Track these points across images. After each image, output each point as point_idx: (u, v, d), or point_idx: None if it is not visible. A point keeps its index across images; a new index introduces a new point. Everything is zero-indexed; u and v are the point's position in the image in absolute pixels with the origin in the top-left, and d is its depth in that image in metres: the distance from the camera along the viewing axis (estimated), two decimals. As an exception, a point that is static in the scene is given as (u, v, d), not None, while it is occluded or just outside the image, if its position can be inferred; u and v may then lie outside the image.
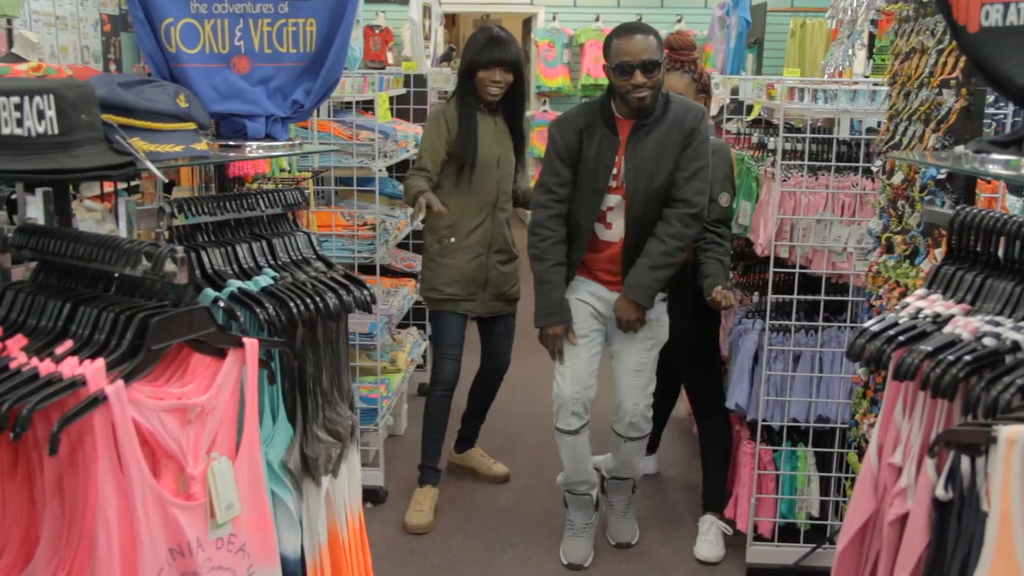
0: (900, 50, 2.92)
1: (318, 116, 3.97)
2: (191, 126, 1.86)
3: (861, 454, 3.08)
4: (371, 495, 4.09)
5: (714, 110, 4.85)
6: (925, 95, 2.69)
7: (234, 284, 2.03)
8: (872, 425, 3.06)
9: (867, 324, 1.72)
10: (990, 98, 2.57)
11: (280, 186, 3.34)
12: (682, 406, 4.83)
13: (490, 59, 3.75)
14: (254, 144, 2.11)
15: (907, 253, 2.80)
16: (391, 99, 5.11)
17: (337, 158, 4.03)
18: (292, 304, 2.05)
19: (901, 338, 1.64)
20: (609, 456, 3.78)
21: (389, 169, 4.75)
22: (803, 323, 3.45)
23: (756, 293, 3.74)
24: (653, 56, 3.20)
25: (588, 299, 3.49)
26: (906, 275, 2.75)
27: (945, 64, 2.56)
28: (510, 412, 5.14)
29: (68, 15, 6.39)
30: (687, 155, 3.32)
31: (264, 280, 2.10)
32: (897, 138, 2.90)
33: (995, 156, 1.70)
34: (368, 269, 4.25)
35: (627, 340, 3.49)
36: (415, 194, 3.65)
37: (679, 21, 10.02)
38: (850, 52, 3.91)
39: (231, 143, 2.11)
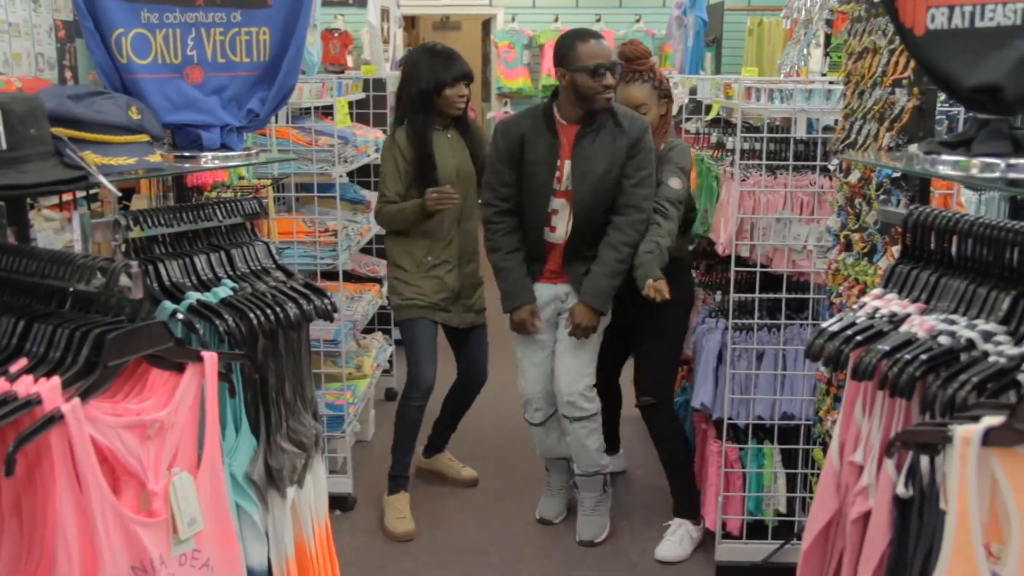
0: (853, 49, 2.95)
1: (276, 123, 3.94)
2: (144, 138, 1.83)
3: (826, 450, 3.11)
4: (339, 502, 4.07)
5: (674, 110, 4.88)
6: (878, 94, 2.73)
7: (192, 296, 2.01)
8: (836, 422, 3.09)
9: (825, 324, 1.74)
10: (942, 96, 2.60)
11: (239, 194, 3.32)
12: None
13: (457, 75, 3.78)
14: (209, 155, 2.09)
15: (865, 251, 2.83)
16: (350, 104, 5.09)
17: (297, 164, 4.01)
18: (252, 315, 2.03)
19: (859, 338, 1.66)
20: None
21: (350, 174, 4.74)
22: (766, 321, 3.48)
23: (719, 292, 3.76)
24: (616, 58, 3.50)
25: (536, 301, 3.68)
26: (864, 272, 2.78)
27: (897, 64, 2.59)
28: (477, 415, 5.12)
29: (21, 22, 6.29)
30: (634, 164, 3.48)
31: (223, 291, 2.08)
32: (852, 137, 2.93)
33: (945, 157, 1.73)
34: (331, 275, 4.23)
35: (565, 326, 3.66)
36: (405, 208, 3.78)
37: (638, 21, 10.06)
38: (805, 51, 3.95)
39: (186, 154, 2.09)
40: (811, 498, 3.52)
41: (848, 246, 2.97)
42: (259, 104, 2.14)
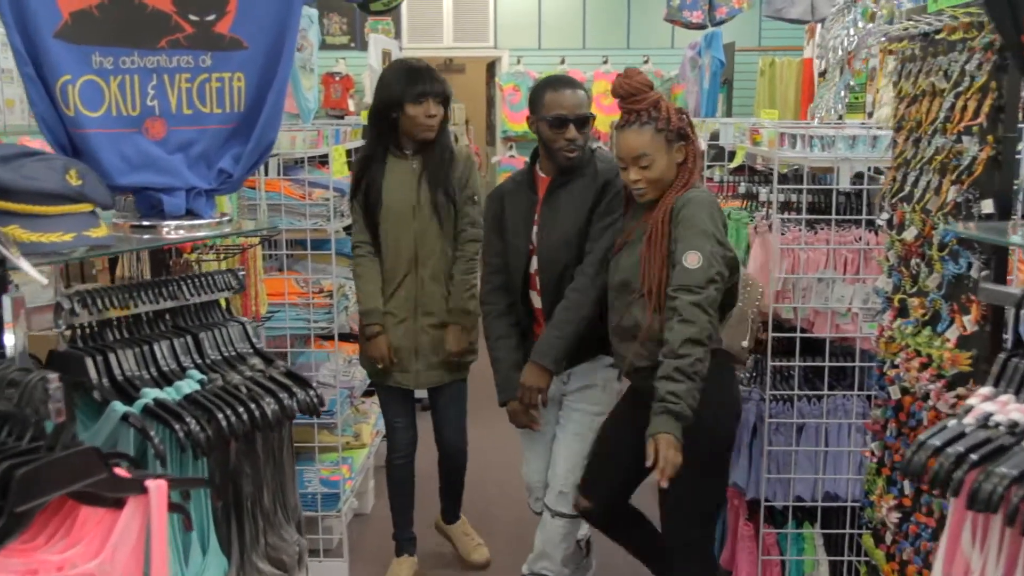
0: (906, 93, 2.64)
1: (266, 175, 3.63)
2: (86, 208, 1.52)
3: (878, 538, 2.76)
4: (335, 588, 3.70)
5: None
6: (940, 142, 2.41)
7: (149, 394, 1.69)
8: (893, 508, 2.75)
9: (926, 435, 1.40)
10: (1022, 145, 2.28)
11: (223, 256, 3.00)
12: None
13: (422, 92, 3.32)
14: (172, 223, 1.77)
15: (926, 318, 2.50)
16: (349, 152, 4.79)
17: (289, 219, 3.69)
18: (221, 415, 1.71)
19: (974, 456, 1.32)
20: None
21: (347, 229, 4.40)
22: (806, 392, 3.14)
23: (752, 357, 3.41)
24: (586, 112, 3.09)
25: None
26: (928, 344, 2.44)
27: (965, 108, 2.28)
28: (484, 480, 4.77)
29: (14, 67, 6.00)
30: (600, 211, 3.08)
31: (187, 386, 1.75)
32: (907, 188, 2.61)
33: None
34: (327, 336, 3.91)
35: (573, 404, 3.21)
36: (367, 325, 3.50)
37: (646, 62, 9.82)
38: (842, 94, 3.65)
39: (144, 223, 1.76)
40: (859, 588, 3.18)
41: (903, 311, 2.64)
42: (232, 163, 1.82)
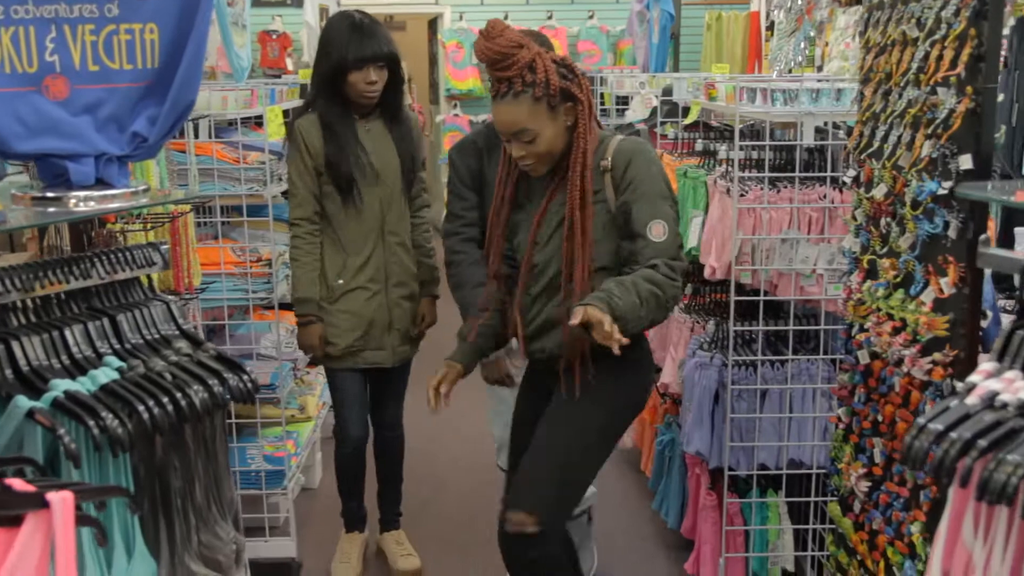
0: (874, 42, 2.50)
1: (196, 137, 3.40)
2: (-27, 179, 1.31)
3: (845, 507, 2.67)
4: (282, 570, 3.54)
5: (645, 113, 4.43)
6: (913, 94, 2.28)
7: (59, 386, 1.50)
8: (862, 477, 2.65)
9: (926, 418, 1.27)
10: (1000, 97, 2.16)
11: (149, 225, 2.78)
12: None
13: (363, 56, 3.06)
14: (80, 194, 1.57)
15: (898, 280, 2.39)
16: (286, 112, 4.56)
17: (223, 184, 3.47)
18: (143, 407, 1.52)
19: (982, 442, 1.19)
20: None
21: (284, 194, 4.18)
22: (769, 357, 3.03)
23: (711, 320, 3.29)
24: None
25: None
26: (902, 307, 2.33)
27: (940, 58, 2.15)
28: (435, 455, 4.63)
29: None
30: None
31: (104, 375, 1.57)
32: (876, 144, 2.49)
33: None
34: (267, 307, 3.71)
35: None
36: (298, 264, 3.22)
37: (591, 17, 9.62)
38: (802, 46, 3.50)
39: (49, 194, 1.56)
40: (823, 557, 3.10)
41: (872, 272, 2.52)
42: (147, 125, 1.62)
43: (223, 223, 3.73)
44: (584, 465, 2.51)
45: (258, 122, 4.30)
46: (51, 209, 1.56)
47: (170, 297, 1.78)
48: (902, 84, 2.33)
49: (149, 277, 1.81)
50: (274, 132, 3.79)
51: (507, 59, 2.29)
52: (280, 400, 3.60)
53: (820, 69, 4.79)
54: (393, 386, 3.46)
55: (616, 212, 2.34)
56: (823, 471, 3.02)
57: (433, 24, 10.49)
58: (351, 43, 3.06)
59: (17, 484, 1.12)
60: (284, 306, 3.93)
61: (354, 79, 3.09)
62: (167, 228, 2.97)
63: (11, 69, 1.52)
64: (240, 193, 3.46)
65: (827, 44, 5.01)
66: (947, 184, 2.12)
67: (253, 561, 3.49)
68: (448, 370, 2.56)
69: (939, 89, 2.15)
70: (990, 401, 1.25)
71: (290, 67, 9.41)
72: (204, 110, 3.47)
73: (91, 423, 1.44)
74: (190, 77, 1.61)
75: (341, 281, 3.21)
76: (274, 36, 9.42)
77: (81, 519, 1.19)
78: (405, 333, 3.33)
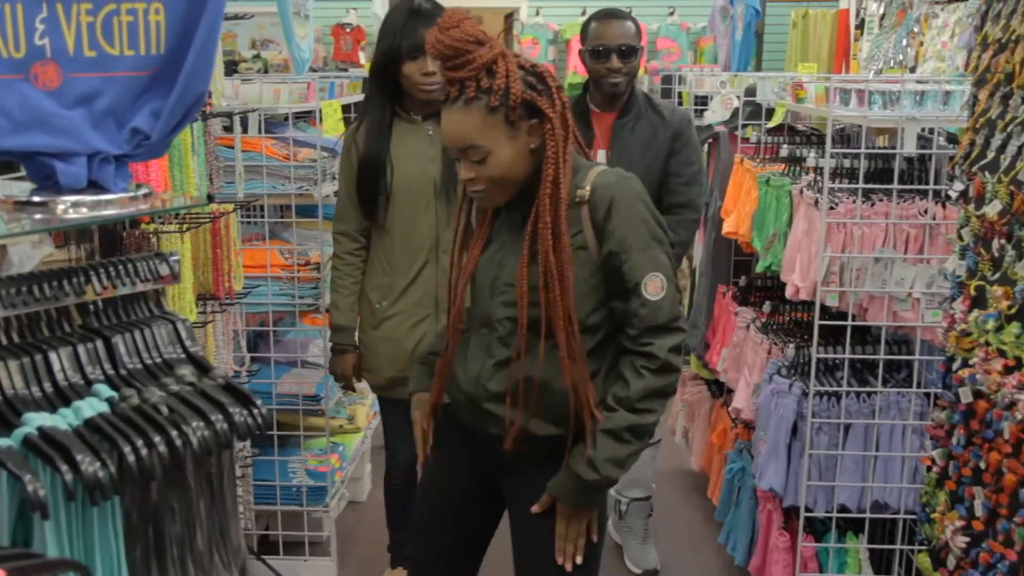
0: (993, 39, 2.20)
1: (245, 132, 3.22)
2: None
3: (937, 561, 2.38)
4: (322, 591, 3.36)
5: (726, 114, 4.14)
6: (1038, 99, 1.98)
7: (32, 420, 1.30)
8: (959, 531, 2.36)
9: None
10: None
11: (186, 226, 2.60)
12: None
13: (414, 43, 2.67)
14: (70, 199, 1.37)
15: (1012, 311, 2.08)
16: (346, 108, 4.38)
17: (272, 183, 3.29)
18: (128, 447, 1.32)
19: None
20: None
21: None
22: (855, 388, 2.73)
23: (792, 344, 3.00)
24: (631, 42, 3.10)
25: None
26: (1018, 345, 2.03)
27: (1074, 58, 1.85)
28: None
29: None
30: (680, 159, 3.13)
31: (89, 407, 1.37)
32: (990, 154, 2.18)
33: None
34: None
35: None
36: (337, 343, 2.94)
37: (671, 14, 9.29)
38: (904, 43, 3.19)
39: (35, 199, 1.37)
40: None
41: (979, 300, 2.22)
42: (150, 120, 1.41)
43: (275, 223, 3.56)
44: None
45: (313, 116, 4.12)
46: (37, 216, 1.37)
47: (178, 315, 1.58)
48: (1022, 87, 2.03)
49: (158, 291, 1.61)
50: (330, 128, 3.60)
51: (461, 56, 1.86)
52: (325, 411, 3.40)
53: (913, 70, 4.45)
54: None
55: (601, 263, 1.91)
56: (912, 517, 2.72)
57: (509, 19, 10.29)
58: (407, 28, 2.72)
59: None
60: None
61: (409, 70, 2.73)
62: (207, 229, 2.79)
63: (-5, 54, 1.33)
64: (289, 192, 3.27)
65: (921, 44, 4.66)
66: (1078, 204, 1.82)
67: (292, 581, 3.39)
68: (421, 408, 2.16)
69: (1071, 94, 1.86)
70: None
71: (363, 61, 9.30)
72: (255, 103, 3.30)
73: (63, 468, 1.24)
74: (200, 66, 1.40)
75: (384, 303, 2.85)
76: (347, 29, 9.31)
77: (21, 597, 0.99)
78: None
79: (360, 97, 4.48)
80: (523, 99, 1.86)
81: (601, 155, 3.11)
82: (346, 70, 7.99)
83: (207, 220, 2.75)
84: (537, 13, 9.57)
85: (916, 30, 3.22)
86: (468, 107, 1.86)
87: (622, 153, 3.07)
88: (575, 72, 9.34)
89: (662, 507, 3.97)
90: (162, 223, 2.58)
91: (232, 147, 3.13)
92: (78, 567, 1.07)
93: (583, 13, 9.38)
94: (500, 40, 1.91)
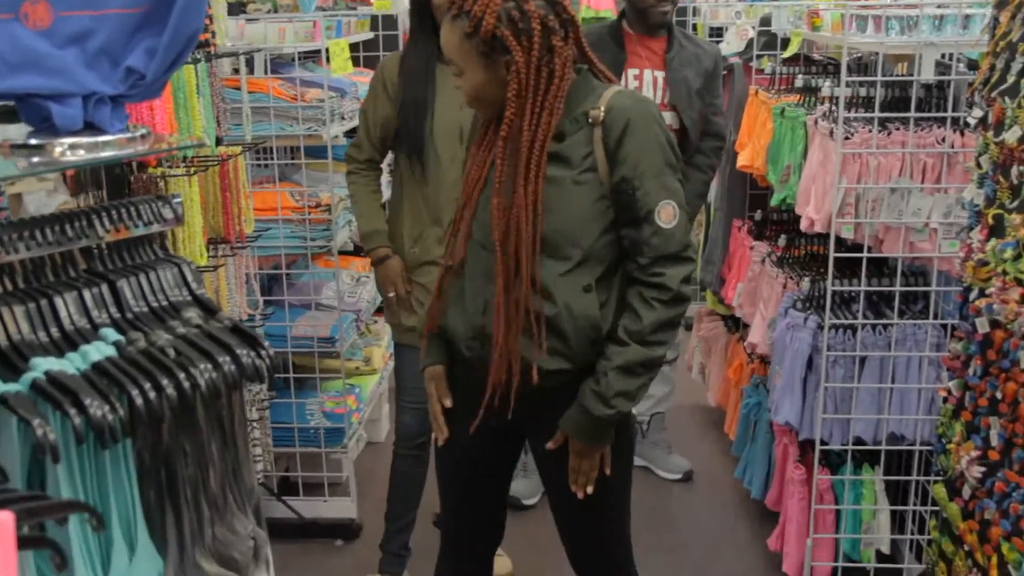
0: (1012, -42, 2.13)
1: (251, 73, 3.18)
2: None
3: (953, 491, 2.37)
4: (341, 530, 3.40)
5: (741, 45, 4.06)
6: (1060, 20, 1.92)
7: (40, 365, 1.30)
8: (975, 460, 2.34)
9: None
10: None
11: (193, 169, 2.59)
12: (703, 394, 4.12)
13: None
14: (67, 141, 1.35)
15: (1030, 240, 2.05)
16: (355, 47, 4.32)
17: (280, 124, 3.26)
18: (136, 390, 1.32)
19: None
20: None
21: (348, 134, 3.96)
22: (871, 320, 2.71)
23: (807, 277, 2.97)
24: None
25: None
26: (1035, 274, 2.00)
27: (1098, -25, 1.79)
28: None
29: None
30: (713, 90, 3.32)
31: (97, 351, 1.37)
32: (1010, 79, 2.13)
33: None
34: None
35: None
36: (359, 204, 2.86)
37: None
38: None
39: (32, 142, 1.35)
40: (924, 543, 2.80)
41: (998, 230, 2.19)
42: (144, 59, 1.38)
43: (285, 164, 3.53)
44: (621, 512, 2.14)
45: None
46: (35, 159, 1.35)
47: (183, 258, 1.57)
48: (1046, 8, 1.98)
49: (163, 235, 1.60)
50: (338, 68, 3.56)
51: None
52: (340, 353, 3.41)
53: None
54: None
55: (611, 188, 1.87)
56: (927, 448, 2.72)
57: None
58: None
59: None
60: (345, 253, 3.74)
61: (439, 1, 2.55)
62: (216, 172, 2.77)
63: (-18, -7, 1.31)
64: (298, 134, 3.24)
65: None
66: (1101, 128, 1.77)
67: (312, 521, 3.43)
68: (437, 382, 2.11)
69: (1095, 14, 1.80)
70: None
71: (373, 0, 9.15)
72: (260, 43, 3.25)
73: (72, 411, 1.24)
74: (193, 2, 1.37)
75: (417, 250, 2.76)
76: (357, -33, 9.16)
77: (28, 541, 0.99)
78: None
79: (368, 36, 4.42)
80: (493, 34, 1.81)
81: (648, 76, 3.24)
82: (355, 8, 7.86)
83: (215, 163, 2.73)
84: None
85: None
86: (452, 24, 1.87)
87: (680, 83, 3.22)
88: (588, 6, 9.17)
89: (679, 443, 3.99)
90: (169, 167, 2.57)
91: (238, 88, 3.10)
92: (86, 508, 1.07)
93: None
94: None
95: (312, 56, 3.92)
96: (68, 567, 1.12)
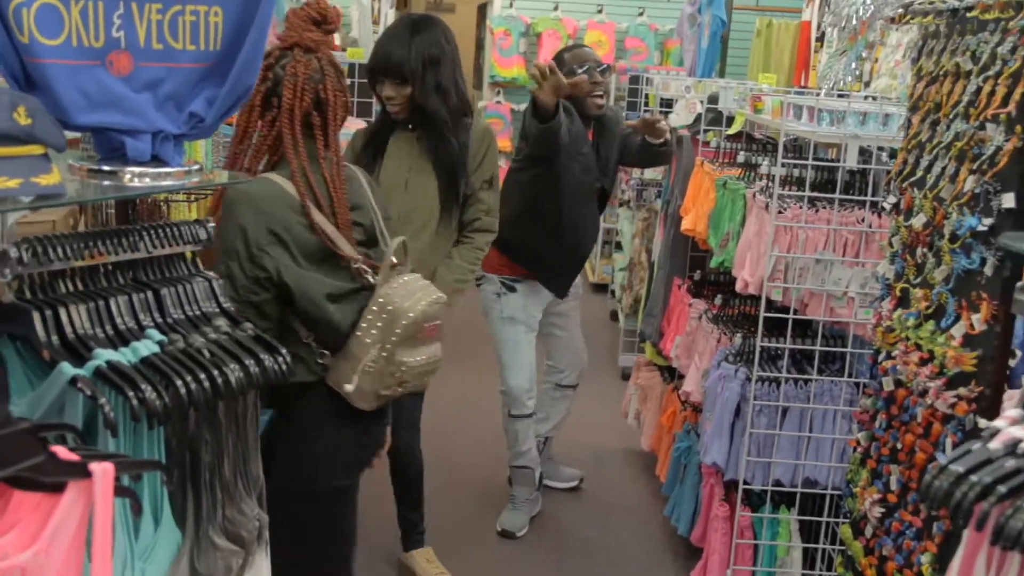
0: (926, 71, 2.50)
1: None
2: (36, 150, 1.35)
3: (857, 530, 2.68)
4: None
5: (689, 119, 4.43)
6: (961, 128, 2.28)
7: (102, 355, 1.54)
8: (877, 503, 2.66)
9: (947, 459, 1.29)
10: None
11: (191, 197, 2.83)
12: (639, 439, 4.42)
13: (371, 68, 2.96)
14: (135, 170, 1.60)
15: (929, 311, 2.39)
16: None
17: (266, 160, 3.50)
18: (180, 381, 1.56)
19: (1002, 488, 1.21)
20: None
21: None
22: (794, 375, 3.03)
23: (739, 334, 3.30)
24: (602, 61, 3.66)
25: (536, 301, 3.78)
26: (931, 339, 2.33)
27: (992, 94, 2.14)
28: (444, 446, 4.64)
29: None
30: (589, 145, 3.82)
31: (145, 347, 1.61)
32: (919, 173, 2.49)
33: None
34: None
35: (571, 313, 4.01)
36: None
37: (641, 14, 9.58)
38: (853, 66, 3.49)
39: (105, 168, 1.60)
40: (832, 577, 3.11)
41: (904, 301, 2.53)
42: (205, 106, 1.65)
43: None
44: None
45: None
46: (106, 183, 1.60)
47: (212, 274, 1.82)
48: (951, 116, 2.33)
49: (194, 253, 1.85)
50: (320, 111, 3.82)
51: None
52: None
53: (868, 85, 4.77)
54: (405, 412, 3.11)
55: None
56: (837, 492, 3.04)
57: (483, 9, 10.49)
58: (375, 52, 2.98)
59: (61, 452, 1.17)
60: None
61: (377, 90, 2.98)
62: (210, 201, 3.01)
63: (78, 42, 1.56)
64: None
65: (876, 61, 4.99)
66: (987, 221, 2.12)
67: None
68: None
69: (988, 125, 2.15)
70: (1012, 448, 1.26)
71: (338, 43, 9.45)
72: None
73: (131, 394, 1.48)
74: (251, 61, 1.64)
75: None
76: (324, 10, 9.45)
77: (119, 490, 1.23)
78: None
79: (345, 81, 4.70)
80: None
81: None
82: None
83: (211, 191, 2.97)
84: (511, 5, 9.79)
85: (865, 55, 3.53)
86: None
87: (604, 162, 3.77)
88: (496, 65, 9.61)
89: (614, 484, 4.28)
90: (170, 195, 2.81)
91: (231, 124, 3.34)
92: (161, 467, 1.31)
93: (556, 8, 9.64)
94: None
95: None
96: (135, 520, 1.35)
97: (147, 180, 1.61)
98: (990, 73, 2.15)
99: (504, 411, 3.81)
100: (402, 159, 3.01)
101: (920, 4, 2.53)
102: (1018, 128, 2.04)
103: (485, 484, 4.25)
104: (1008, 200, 2.07)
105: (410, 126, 3.02)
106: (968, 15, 2.26)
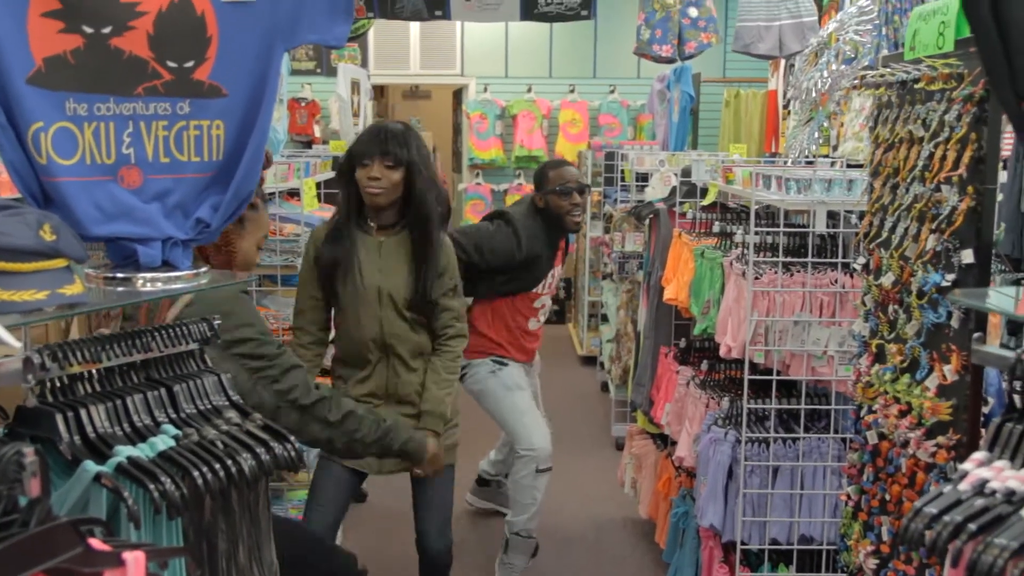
0: (883, 139, 2.65)
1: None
2: (60, 263, 1.46)
3: (854, 583, 2.75)
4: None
5: (665, 192, 4.59)
6: (919, 190, 2.42)
7: (122, 452, 1.62)
8: (871, 554, 2.73)
9: (921, 502, 1.38)
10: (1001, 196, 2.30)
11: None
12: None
13: (366, 151, 2.95)
14: (148, 275, 1.71)
15: (904, 365, 2.50)
16: (318, 184, 4.75)
17: (260, 255, 3.62)
18: (197, 472, 1.65)
19: (972, 526, 1.30)
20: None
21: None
22: (782, 435, 3.13)
23: (726, 397, 3.40)
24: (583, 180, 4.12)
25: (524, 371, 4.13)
26: (908, 392, 2.44)
27: (944, 158, 2.29)
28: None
29: None
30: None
31: (162, 442, 1.69)
32: (884, 234, 2.62)
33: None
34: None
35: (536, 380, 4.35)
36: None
37: (612, 92, 9.87)
38: (816, 135, 3.67)
39: (119, 275, 1.71)
40: (835, 632, 3.16)
41: (880, 356, 2.64)
42: (210, 212, 1.77)
43: (257, 291, 3.88)
44: None
45: (292, 192, 4.49)
46: (120, 289, 1.71)
47: (221, 370, 1.91)
48: (909, 180, 2.47)
49: (202, 350, 1.95)
50: (309, 203, 3.97)
51: None
52: (308, 466, 3.70)
53: (835, 148, 4.95)
54: (423, 498, 3.16)
55: None
56: (833, 547, 3.10)
57: (458, 95, 10.78)
58: (367, 139, 3.01)
59: (95, 543, 1.25)
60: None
61: (359, 175, 2.97)
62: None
63: (91, 161, 1.68)
64: (276, 264, 3.62)
65: (842, 125, 5.18)
66: (950, 276, 2.24)
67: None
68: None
69: (943, 187, 2.29)
70: (980, 488, 1.36)
71: (317, 134, 9.69)
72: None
73: (152, 487, 1.56)
74: (251, 169, 1.76)
75: (347, 385, 3.08)
76: (303, 104, 9.72)
77: (148, 576, 1.31)
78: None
79: (330, 175, 4.87)
80: None
81: (557, 271, 4.18)
82: (307, 143, 8.37)
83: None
84: (485, 90, 10.06)
85: (826, 124, 3.71)
86: None
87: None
88: (522, 145, 9.86)
89: (615, 554, 4.32)
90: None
91: (225, 223, 3.47)
92: (186, 552, 1.39)
93: (529, 90, 9.92)
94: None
95: (271, 195, 4.34)
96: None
97: (159, 284, 1.72)
98: (940, 139, 2.30)
99: (529, 470, 3.84)
100: (371, 261, 3.03)
101: (873, 77, 2.70)
102: (970, 188, 2.19)
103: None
104: (967, 256, 2.20)
105: (373, 227, 3.05)
106: (916, 86, 2.42)
